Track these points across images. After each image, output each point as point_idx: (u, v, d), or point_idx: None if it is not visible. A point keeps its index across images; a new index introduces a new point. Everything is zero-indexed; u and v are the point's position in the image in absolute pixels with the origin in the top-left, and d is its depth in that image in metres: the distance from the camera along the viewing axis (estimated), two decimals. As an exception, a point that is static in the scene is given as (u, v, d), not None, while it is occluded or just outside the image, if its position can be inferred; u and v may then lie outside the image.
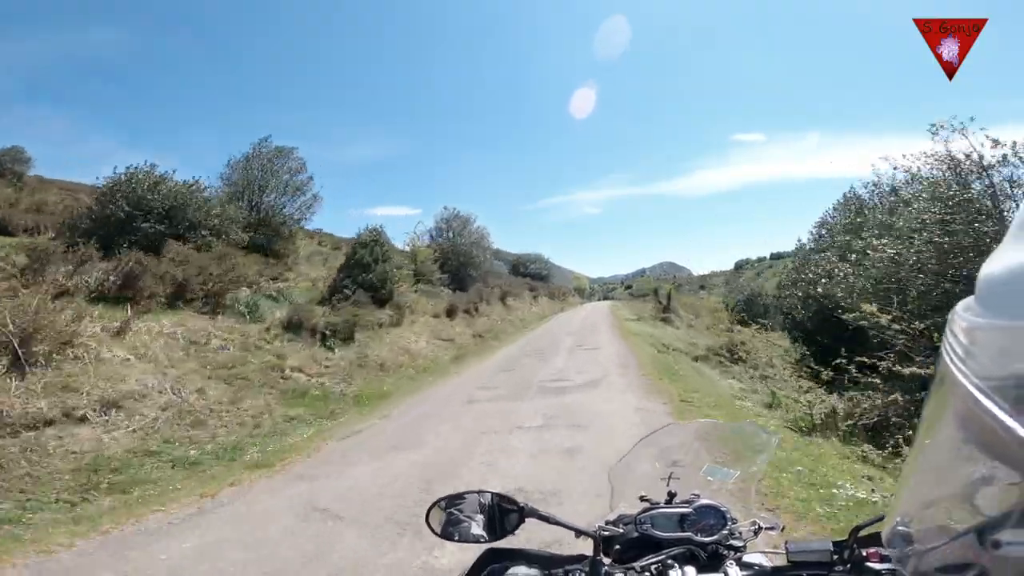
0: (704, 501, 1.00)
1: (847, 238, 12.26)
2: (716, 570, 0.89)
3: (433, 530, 0.95)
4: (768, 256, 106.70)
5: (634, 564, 0.91)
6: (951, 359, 0.38)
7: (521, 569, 0.88)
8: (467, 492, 0.96)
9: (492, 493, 0.96)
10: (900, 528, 0.46)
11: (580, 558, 0.92)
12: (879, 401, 6.39)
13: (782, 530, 1.04)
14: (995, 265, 0.38)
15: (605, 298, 76.36)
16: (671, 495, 1.04)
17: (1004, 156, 6.63)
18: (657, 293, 34.35)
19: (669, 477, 1.08)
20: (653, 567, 0.90)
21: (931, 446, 0.44)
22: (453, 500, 0.96)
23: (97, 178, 10.78)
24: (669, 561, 0.90)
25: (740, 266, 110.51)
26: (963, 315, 0.39)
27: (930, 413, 0.44)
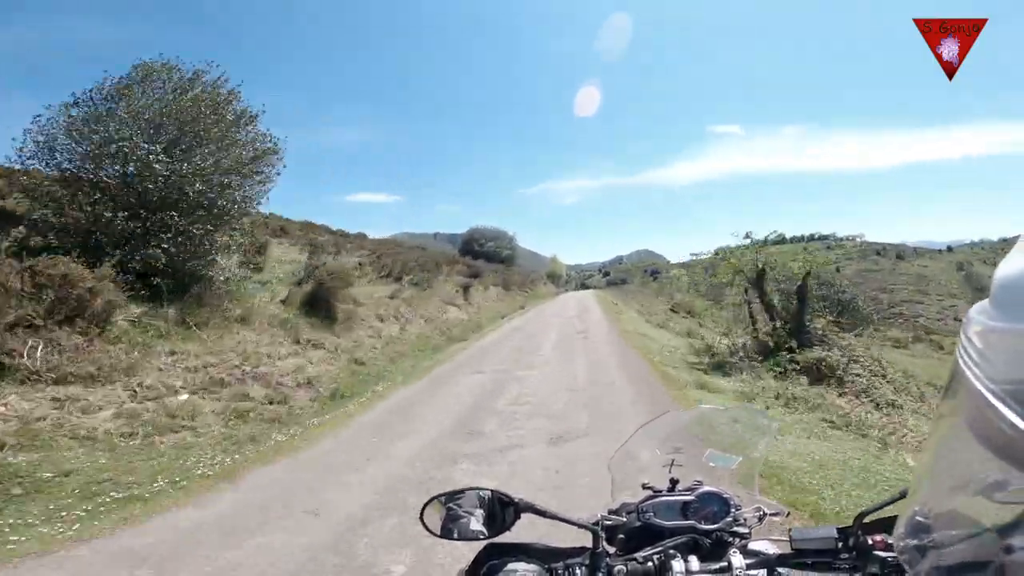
0: (706, 488, 1.02)
1: None
2: (720, 558, 0.89)
3: (429, 529, 0.94)
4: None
5: (636, 555, 0.92)
6: (965, 362, 0.39)
7: (520, 564, 0.89)
8: (465, 488, 0.97)
9: (490, 489, 0.96)
10: (911, 526, 0.48)
11: (581, 550, 0.93)
12: None
13: (787, 516, 1.05)
14: (1009, 268, 0.38)
15: (583, 286, 74.52)
16: (673, 482, 1.06)
17: None
18: (765, 289, 11.51)
19: (671, 464, 1.09)
20: (655, 557, 0.91)
21: (944, 448, 0.45)
22: (451, 496, 0.96)
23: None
24: (671, 551, 0.91)
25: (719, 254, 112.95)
26: (977, 318, 0.40)
27: (943, 415, 0.45)
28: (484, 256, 38.44)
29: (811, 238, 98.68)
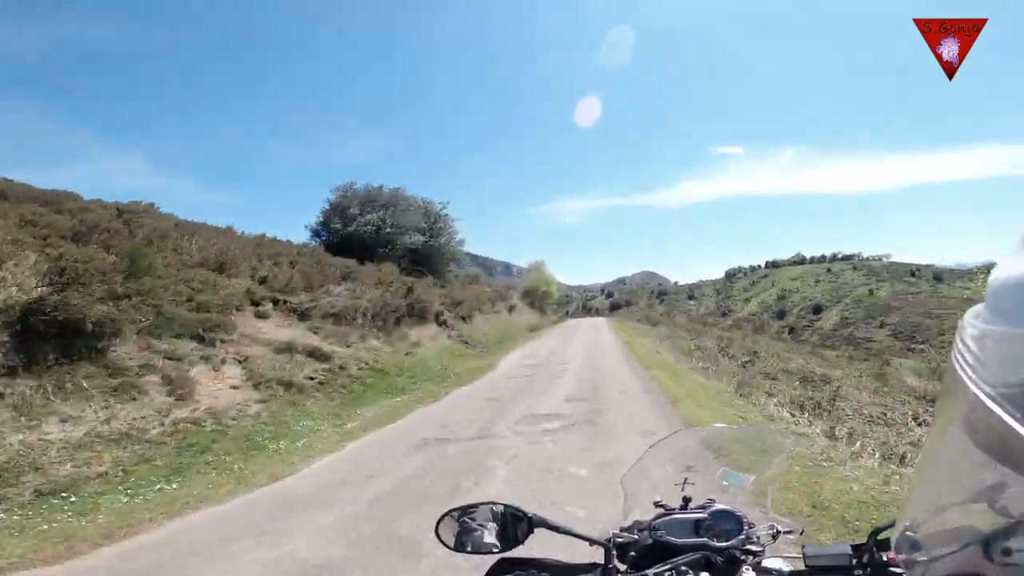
0: (719, 506, 1.09)
1: None
2: None
3: (444, 542, 1.02)
4: (763, 265, 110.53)
5: (647, 572, 0.98)
6: (960, 366, 0.42)
7: None
8: (479, 503, 1.04)
9: (504, 504, 1.04)
10: (909, 534, 0.51)
11: (593, 566, 1.00)
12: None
13: (801, 533, 1.12)
14: (1004, 272, 0.41)
15: (584, 308, 70.94)
16: (686, 500, 1.12)
17: None
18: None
19: (684, 482, 1.16)
20: (666, 574, 0.97)
21: (941, 453, 0.49)
22: (465, 511, 1.04)
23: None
24: (683, 568, 0.97)
25: (732, 275, 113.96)
26: (972, 322, 0.43)
27: (940, 419, 0.49)
28: (362, 249, 20.18)
29: (833, 258, 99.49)
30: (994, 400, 0.37)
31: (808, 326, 77.69)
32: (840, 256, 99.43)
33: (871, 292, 78.80)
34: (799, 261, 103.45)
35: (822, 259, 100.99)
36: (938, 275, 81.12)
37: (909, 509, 0.53)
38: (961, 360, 0.42)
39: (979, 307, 0.43)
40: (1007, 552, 0.39)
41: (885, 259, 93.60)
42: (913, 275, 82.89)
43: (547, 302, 40.89)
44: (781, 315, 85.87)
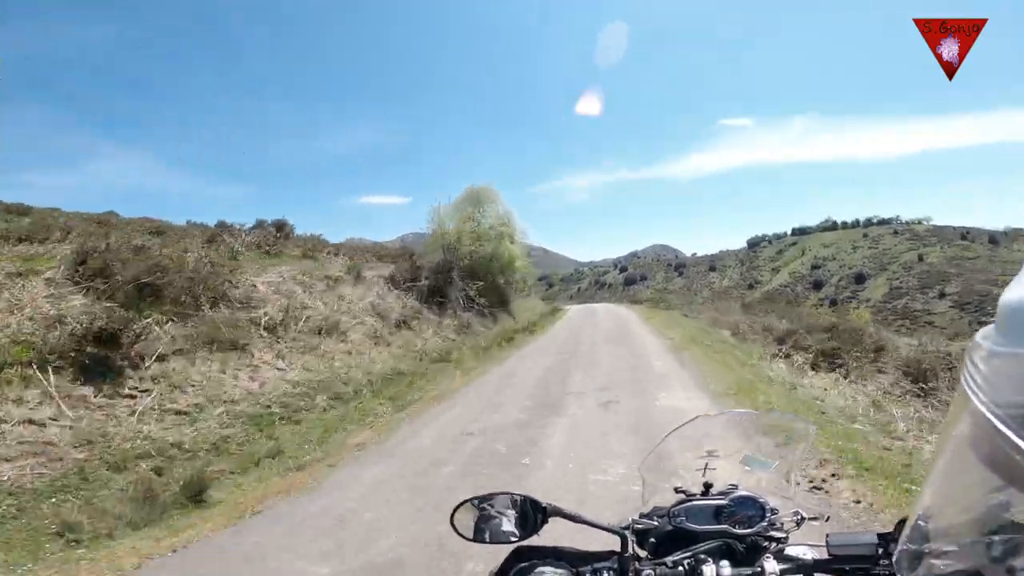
0: (741, 492, 1.13)
1: None
2: (754, 563, 1.00)
3: (459, 532, 1.09)
4: (789, 232, 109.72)
5: (665, 559, 1.04)
6: (969, 385, 0.45)
7: (549, 568, 1.03)
8: (496, 492, 1.11)
9: (521, 494, 1.11)
10: (912, 547, 0.55)
11: (610, 554, 1.07)
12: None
13: (826, 520, 1.16)
14: (1015, 294, 0.44)
15: (597, 283, 67.81)
16: (707, 486, 1.17)
17: None
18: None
19: (704, 468, 1.20)
20: (685, 562, 1.02)
21: (947, 470, 0.52)
22: (483, 500, 1.11)
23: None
24: (702, 555, 1.02)
25: (754, 245, 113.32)
26: (982, 342, 0.46)
27: (948, 437, 0.50)
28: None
29: (868, 223, 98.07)
30: (1003, 421, 0.39)
31: (852, 297, 75.84)
32: (876, 220, 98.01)
33: (921, 258, 77.22)
34: (830, 227, 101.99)
35: (856, 224, 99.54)
36: (994, 238, 78.08)
37: (914, 524, 0.56)
38: (971, 380, 0.45)
39: (990, 328, 0.46)
40: (1011, 572, 0.42)
41: (926, 222, 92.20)
42: (963, 238, 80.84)
43: (508, 282, 21.85)
44: (818, 286, 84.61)
